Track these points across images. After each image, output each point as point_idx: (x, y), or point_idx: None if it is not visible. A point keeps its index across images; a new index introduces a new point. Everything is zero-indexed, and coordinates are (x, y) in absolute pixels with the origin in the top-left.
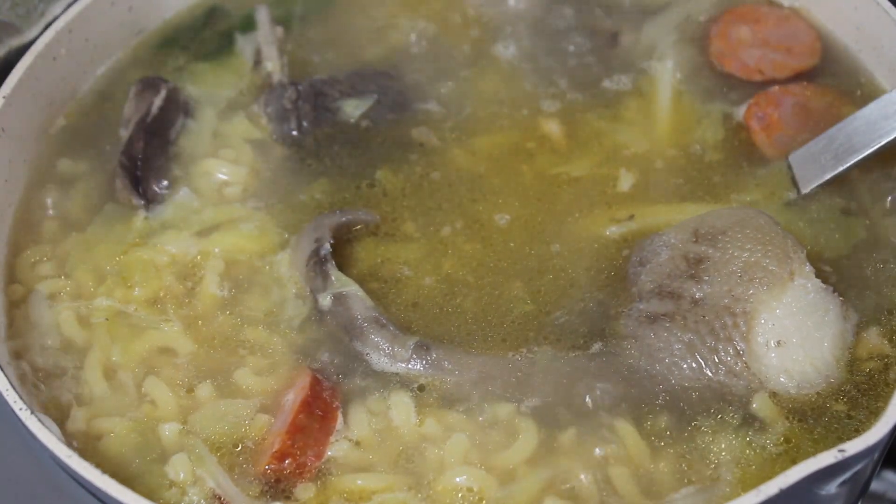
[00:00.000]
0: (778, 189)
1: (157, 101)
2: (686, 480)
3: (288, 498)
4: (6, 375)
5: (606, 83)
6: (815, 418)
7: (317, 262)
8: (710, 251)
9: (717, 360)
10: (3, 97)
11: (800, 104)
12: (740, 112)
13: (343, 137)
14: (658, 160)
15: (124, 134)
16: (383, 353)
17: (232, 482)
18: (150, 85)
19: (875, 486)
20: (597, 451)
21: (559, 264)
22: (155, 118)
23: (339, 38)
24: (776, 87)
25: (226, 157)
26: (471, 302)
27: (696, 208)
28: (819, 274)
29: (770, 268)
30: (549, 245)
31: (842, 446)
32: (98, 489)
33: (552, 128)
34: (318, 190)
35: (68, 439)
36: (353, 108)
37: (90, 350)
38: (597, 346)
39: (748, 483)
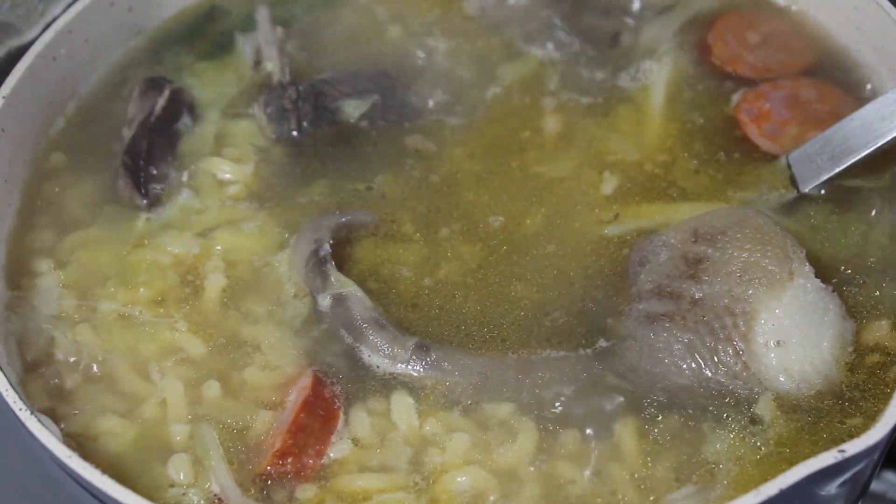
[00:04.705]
0: (777, 188)
1: (161, 101)
2: (685, 480)
3: (289, 498)
4: (6, 375)
5: (603, 85)
6: (814, 418)
7: (316, 263)
8: (710, 251)
9: (716, 360)
10: (3, 97)
11: (790, 96)
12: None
13: (343, 138)
14: (648, 162)
15: (127, 133)
16: (383, 353)
17: (234, 482)
18: (154, 85)
19: (875, 486)
20: (596, 450)
21: (558, 265)
22: (159, 118)
23: (339, 38)
24: (765, 84)
25: (227, 157)
26: (471, 303)
27: (694, 208)
28: (818, 274)
29: (769, 268)
30: (546, 246)
31: (842, 447)
32: (98, 489)
33: (547, 127)
34: (317, 191)
35: (68, 439)
36: (353, 109)
37: (94, 350)
38: (596, 347)
39: (748, 483)
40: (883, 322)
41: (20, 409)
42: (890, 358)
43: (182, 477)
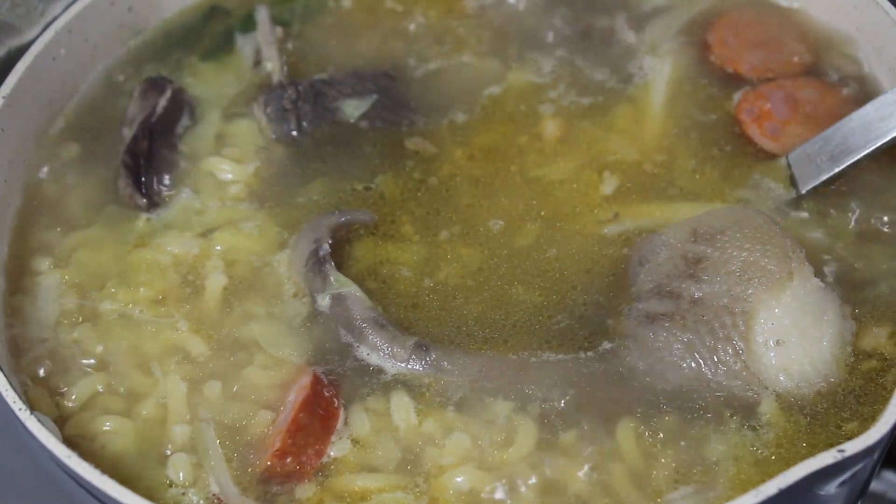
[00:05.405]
0: (777, 188)
1: (163, 101)
2: (684, 480)
3: (288, 497)
4: (6, 375)
5: (603, 85)
6: (814, 418)
7: (315, 263)
8: (709, 251)
9: (716, 360)
10: (3, 97)
11: (791, 96)
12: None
13: (342, 138)
14: (647, 162)
15: (127, 133)
16: (382, 353)
17: (233, 481)
18: (155, 85)
19: (875, 486)
20: (595, 450)
21: (558, 267)
22: (160, 118)
23: (339, 38)
24: (766, 83)
25: (227, 157)
26: (471, 304)
27: (693, 207)
28: (818, 273)
29: (769, 267)
30: (547, 248)
31: (841, 446)
32: (97, 489)
33: (546, 127)
34: (317, 190)
35: (68, 439)
36: (352, 109)
37: (94, 350)
38: (597, 347)
39: (747, 483)
40: (883, 322)
41: (20, 409)
42: (889, 357)
43: (181, 477)
